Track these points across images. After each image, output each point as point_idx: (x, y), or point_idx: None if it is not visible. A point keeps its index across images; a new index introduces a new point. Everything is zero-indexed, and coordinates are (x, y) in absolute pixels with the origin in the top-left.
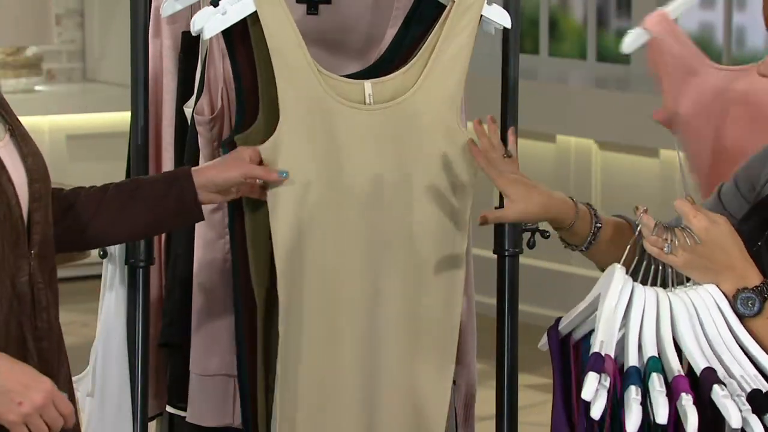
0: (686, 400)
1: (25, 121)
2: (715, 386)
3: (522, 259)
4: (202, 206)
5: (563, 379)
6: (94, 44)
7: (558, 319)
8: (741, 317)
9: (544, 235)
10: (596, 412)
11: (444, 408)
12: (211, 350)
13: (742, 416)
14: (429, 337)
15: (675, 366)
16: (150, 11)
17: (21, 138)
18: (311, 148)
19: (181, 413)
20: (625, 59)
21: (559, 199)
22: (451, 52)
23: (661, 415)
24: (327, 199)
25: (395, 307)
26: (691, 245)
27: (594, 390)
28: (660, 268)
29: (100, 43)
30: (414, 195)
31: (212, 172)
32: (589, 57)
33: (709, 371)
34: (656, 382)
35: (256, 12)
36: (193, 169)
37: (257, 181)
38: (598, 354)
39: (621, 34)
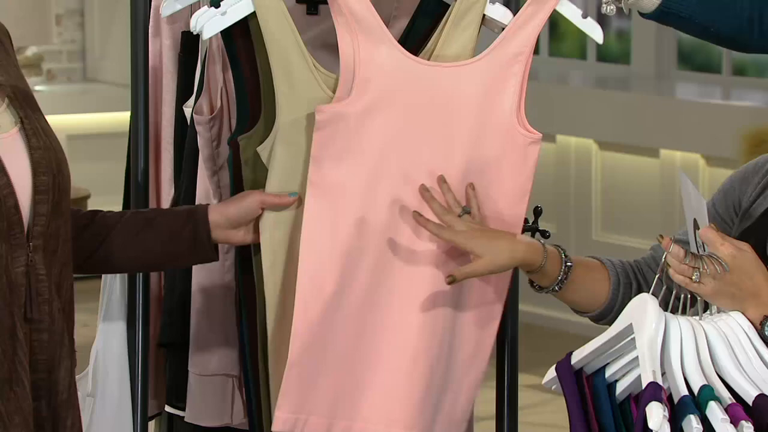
0: (747, 428)
1: None
2: (744, 423)
3: None
4: (219, 245)
5: (581, 413)
6: (94, 44)
7: (569, 354)
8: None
9: (545, 235)
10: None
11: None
12: (209, 350)
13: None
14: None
15: (725, 394)
16: (150, 11)
17: (32, 132)
18: (309, 148)
19: (180, 413)
20: (625, 59)
21: (526, 243)
22: (453, 51)
23: None
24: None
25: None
26: (720, 273)
27: (660, 419)
28: (682, 297)
29: (100, 43)
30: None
31: (226, 209)
32: (589, 57)
33: (763, 398)
34: (717, 411)
35: (255, 12)
36: (210, 206)
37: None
38: (655, 384)
39: (621, 34)
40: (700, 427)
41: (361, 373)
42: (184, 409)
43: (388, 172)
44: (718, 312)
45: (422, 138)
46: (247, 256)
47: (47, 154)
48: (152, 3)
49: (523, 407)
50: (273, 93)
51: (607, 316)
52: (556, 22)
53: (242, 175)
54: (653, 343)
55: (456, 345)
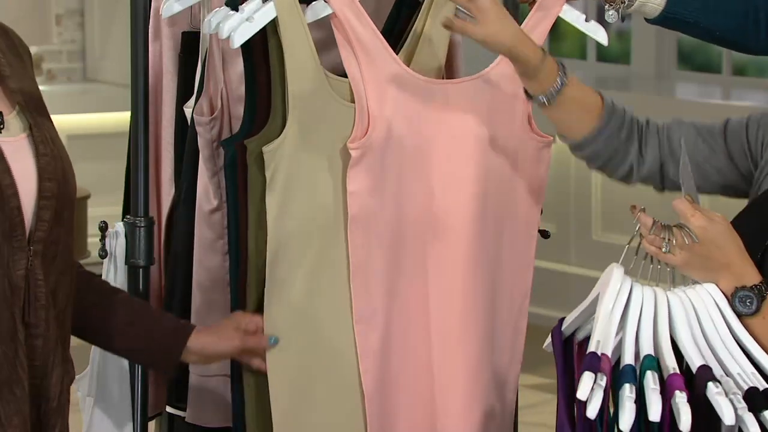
0: (680, 398)
1: None
2: (710, 383)
3: None
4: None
5: (566, 379)
6: (94, 44)
7: (561, 320)
8: (739, 316)
9: (544, 235)
10: (592, 412)
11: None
12: None
13: (737, 414)
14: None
15: (670, 364)
16: (150, 12)
17: (40, 139)
18: (318, 150)
19: (181, 413)
20: (625, 59)
21: (531, 41)
22: (436, 36)
23: (653, 413)
24: (336, 202)
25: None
26: (689, 244)
27: (589, 389)
28: (660, 266)
29: (100, 43)
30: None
31: (207, 340)
32: (589, 57)
33: (705, 369)
34: (650, 380)
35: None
36: (195, 329)
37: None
38: (593, 354)
39: (621, 34)
40: (633, 395)
41: (431, 396)
42: (184, 410)
43: (410, 192)
44: (693, 283)
45: (437, 153)
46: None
47: (54, 162)
48: (152, 4)
49: (523, 407)
50: (284, 96)
51: (583, 149)
52: (556, 22)
53: (247, 178)
54: (607, 313)
55: (497, 351)
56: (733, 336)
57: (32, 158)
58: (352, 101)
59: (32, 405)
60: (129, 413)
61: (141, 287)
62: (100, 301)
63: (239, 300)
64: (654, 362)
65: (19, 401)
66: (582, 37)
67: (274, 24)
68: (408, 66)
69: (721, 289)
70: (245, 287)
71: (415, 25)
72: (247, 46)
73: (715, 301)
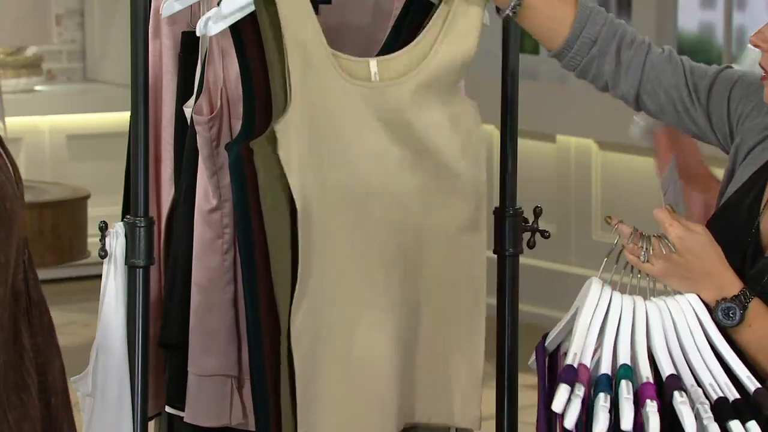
0: (650, 407)
1: (25, 121)
2: (675, 393)
3: (522, 259)
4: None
5: (548, 397)
6: (94, 44)
7: (545, 336)
8: (724, 329)
9: (544, 235)
10: (569, 422)
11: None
12: (209, 350)
13: (703, 423)
14: (456, 326)
15: (644, 373)
16: (150, 11)
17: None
18: (319, 128)
19: (180, 413)
20: None
21: None
22: (458, 29)
23: (625, 422)
24: (335, 181)
25: (414, 291)
26: (666, 254)
27: (564, 401)
28: (640, 276)
29: (100, 43)
30: (420, 172)
31: None
32: None
33: (673, 378)
34: (624, 389)
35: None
36: None
37: None
38: (570, 366)
39: None
40: (607, 405)
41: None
42: (184, 410)
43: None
44: (675, 293)
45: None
46: (249, 258)
47: (12, 164)
48: (152, 4)
49: (523, 407)
50: (285, 89)
51: (559, 59)
52: None
53: (258, 182)
54: (585, 326)
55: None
56: (711, 346)
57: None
58: (352, 75)
59: (40, 404)
60: (129, 413)
61: (141, 287)
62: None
63: (254, 295)
64: (629, 372)
65: (27, 406)
66: None
67: (265, 12)
68: (428, 55)
69: (703, 301)
70: (264, 283)
71: (434, 18)
72: (239, 40)
73: (694, 310)
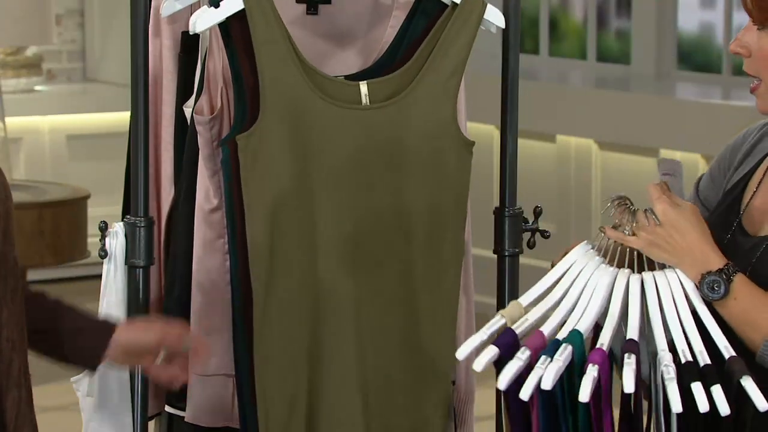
0: (591, 370)
1: (25, 121)
2: (625, 355)
3: (522, 259)
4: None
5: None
6: (94, 44)
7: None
8: (710, 302)
9: (544, 235)
10: (501, 383)
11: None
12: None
13: (665, 384)
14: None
15: (604, 340)
16: (150, 11)
17: None
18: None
19: (180, 413)
20: (625, 59)
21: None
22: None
23: (543, 382)
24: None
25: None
26: (650, 226)
27: (483, 362)
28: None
29: (100, 43)
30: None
31: (128, 333)
32: (589, 57)
33: (631, 343)
34: (563, 353)
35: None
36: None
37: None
38: (508, 330)
39: (621, 34)
40: (544, 366)
41: None
42: (184, 409)
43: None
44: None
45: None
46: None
47: None
48: (152, 3)
49: None
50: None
51: None
52: (556, 22)
53: (240, 176)
54: (548, 279)
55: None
56: (695, 320)
57: None
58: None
59: None
60: (129, 413)
61: (141, 287)
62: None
63: (241, 295)
64: (577, 337)
65: None
66: (582, 37)
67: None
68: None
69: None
70: (247, 284)
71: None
72: (228, 40)
73: (680, 282)
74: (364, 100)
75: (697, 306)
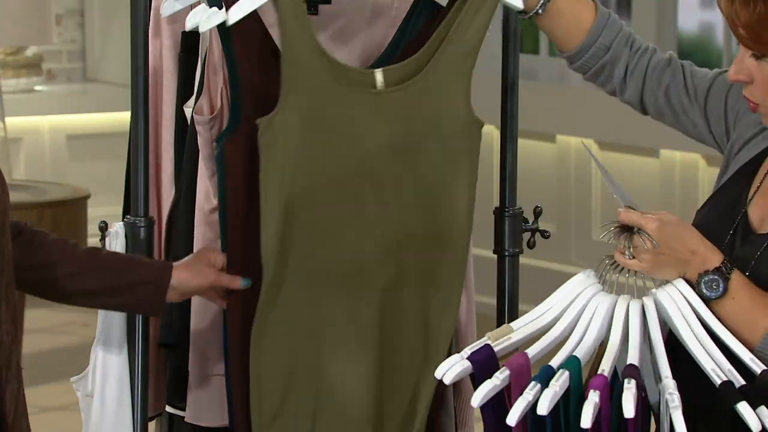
0: (593, 395)
1: (25, 121)
2: (625, 380)
3: (522, 259)
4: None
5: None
6: (94, 44)
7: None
8: (708, 302)
9: (544, 235)
10: (474, 401)
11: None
12: (210, 350)
13: (669, 413)
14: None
15: (606, 366)
16: (150, 11)
17: None
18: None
19: (180, 413)
20: None
21: None
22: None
23: (539, 407)
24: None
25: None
26: (650, 248)
27: (454, 373)
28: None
29: (100, 43)
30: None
31: (185, 275)
32: None
33: (632, 368)
34: (559, 379)
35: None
36: (174, 269)
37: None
38: (486, 346)
39: None
40: (532, 392)
41: None
42: (184, 409)
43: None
44: (659, 284)
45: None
46: None
47: None
48: (152, 3)
49: None
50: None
51: (572, 62)
52: None
53: (260, 159)
54: (534, 317)
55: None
56: (708, 332)
57: None
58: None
59: None
60: (129, 413)
61: None
62: (65, 250)
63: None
64: (575, 363)
65: None
66: None
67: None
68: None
69: (687, 280)
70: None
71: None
72: (227, 41)
73: (683, 295)
74: (379, 85)
75: (708, 319)
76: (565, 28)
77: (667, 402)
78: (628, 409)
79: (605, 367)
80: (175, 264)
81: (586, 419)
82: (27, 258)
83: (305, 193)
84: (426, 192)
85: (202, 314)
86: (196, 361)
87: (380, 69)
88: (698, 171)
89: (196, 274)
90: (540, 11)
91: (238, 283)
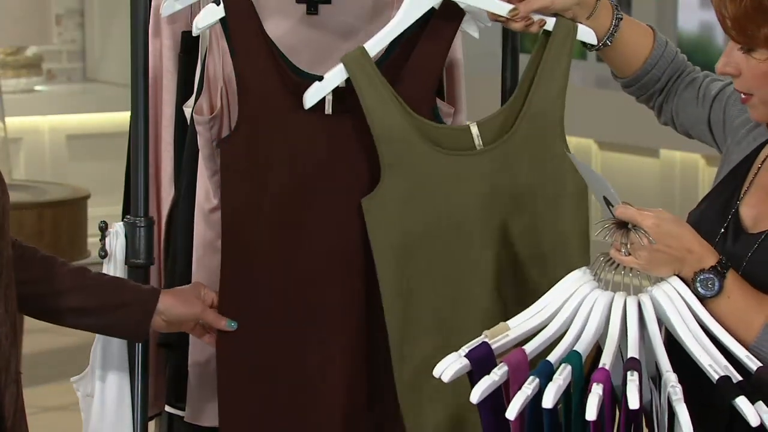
0: (596, 388)
1: (25, 121)
2: (628, 373)
3: None
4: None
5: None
6: (94, 44)
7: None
8: (703, 300)
9: None
10: (474, 397)
11: None
12: (209, 350)
13: (672, 405)
14: None
15: (607, 360)
16: (150, 11)
17: None
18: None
19: (180, 413)
20: None
21: None
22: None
23: (545, 400)
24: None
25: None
26: (646, 245)
27: (453, 371)
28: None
29: (100, 43)
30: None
31: (171, 302)
32: (589, 57)
33: (633, 361)
34: (559, 374)
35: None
36: (161, 292)
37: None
38: (483, 344)
39: None
40: (531, 386)
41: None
42: (184, 409)
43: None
44: (655, 281)
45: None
46: None
47: None
48: (152, 3)
49: None
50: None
51: (634, 84)
52: None
53: (368, 236)
54: (540, 305)
55: None
56: (702, 328)
57: None
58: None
59: None
60: (129, 413)
61: None
62: (51, 268)
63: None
64: (576, 358)
65: None
66: None
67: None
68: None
69: (682, 278)
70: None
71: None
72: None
73: (678, 292)
74: (478, 146)
75: (703, 316)
76: (625, 57)
77: (669, 395)
78: (633, 401)
79: (606, 361)
80: (163, 290)
81: (591, 411)
82: (15, 273)
83: (417, 258)
84: (541, 241)
85: None
86: (195, 361)
87: (474, 124)
88: (698, 171)
89: (183, 302)
90: (608, 43)
91: (223, 323)
